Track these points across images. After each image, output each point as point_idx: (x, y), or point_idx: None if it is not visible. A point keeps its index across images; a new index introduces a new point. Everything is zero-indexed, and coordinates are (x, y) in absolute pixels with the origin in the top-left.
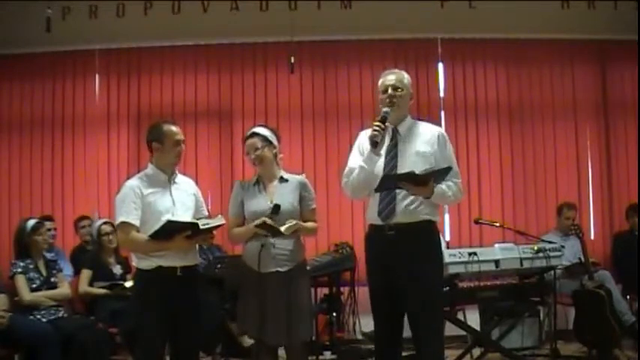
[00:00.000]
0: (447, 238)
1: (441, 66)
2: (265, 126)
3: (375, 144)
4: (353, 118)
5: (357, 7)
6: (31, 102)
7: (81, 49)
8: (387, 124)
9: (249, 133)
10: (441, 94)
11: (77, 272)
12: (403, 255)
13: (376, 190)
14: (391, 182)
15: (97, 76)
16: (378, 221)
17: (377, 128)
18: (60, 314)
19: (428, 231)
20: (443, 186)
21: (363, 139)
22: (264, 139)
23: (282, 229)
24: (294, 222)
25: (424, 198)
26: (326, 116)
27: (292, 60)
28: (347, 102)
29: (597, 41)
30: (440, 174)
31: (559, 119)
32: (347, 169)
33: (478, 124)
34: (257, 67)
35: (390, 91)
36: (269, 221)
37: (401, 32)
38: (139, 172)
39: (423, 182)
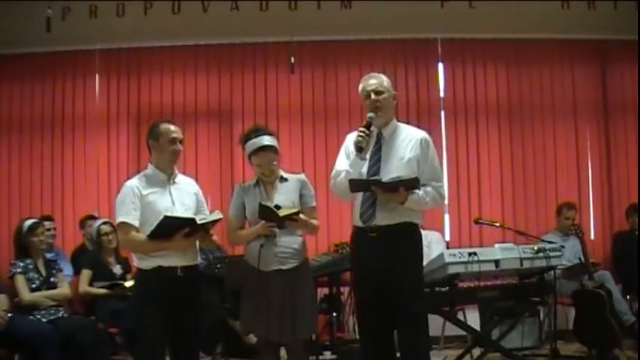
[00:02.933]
0: (447, 238)
1: (441, 66)
2: (268, 133)
3: (359, 149)
4: (353, 118)
5: (357, 7)
6: (31, 102)
7: (81, 49)
8: (372, 128)
9: (259, 145)
10: (441, 94)
11: (77, 272)
12: (385, 256)
13: (351, 191)
14: (361, 186)
15: (97, 76)
16: (360, 223)
17: (362, 134)
18: (60, 314)
19: (408, 232)
20: (420, 192)
21: (350, 141)
22: (276, 150)
23: (280, 212)
24: (293, 210)
25: (399, 204)
26: (326, 116)
27: (292, 60)
28: (347, 102)
29: (597, 41)
30: (408, 182)
31: (559, 119)
32: (334, 171)
33: (478, 124)
34: (257, 67)
35: (372, 96)
36: (264, 202)
37: (401, 32)
38: (139, 172)
39: (392, 189)
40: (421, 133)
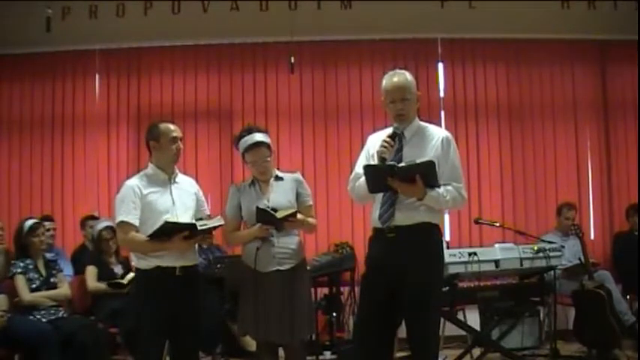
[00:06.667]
0: (447, 238)
1: (440, 66)
2: (261, 130)
3: (382, 160)
4: (353, 118)
5: (357, 7)
6: (31, 102)
7: (81, 49)
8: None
9: (252, 142)
10: (441, 94)
11: (77, 272)
12: (402, 255)
13: (370, 191)
14: (377, 176)
15: (97, 76)
16: (379, 224)
17: (386, 145)
18: (60, 314)
19: (427, 232)
20: (440, 190)
21: (371, 144)
22: (269, 147)
23: (278, 215)
24: (291, 210)
25: (417, 200)
26: (326, 116)
27: (292, 60)
28: (347, 102)
29: (597, 41)
30: (424, 167)
31: (559, 119)
32: (353, 173)
33: (478, 124)
34: (257, 67)
35: (398, 105)
36: (261, 205)
37: (401, 32)
38: (139, 172)
39: (408, 177)
40: (443, 133)
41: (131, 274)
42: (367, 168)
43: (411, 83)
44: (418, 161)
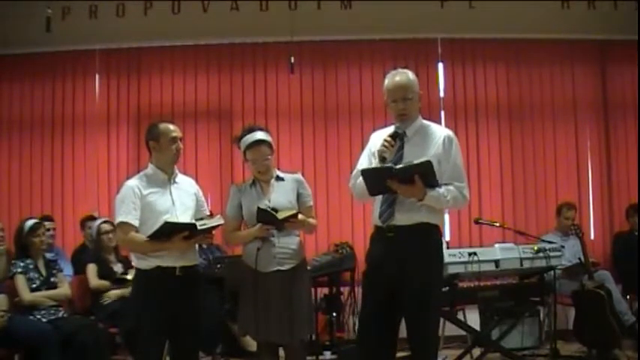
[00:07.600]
0: (447, 238)
1: (440, 66)
2: (262, 129)
3: (383, 159)
4: (353, 118)
5: (357, 7)
6: (31, 102)
7: (81, 49)
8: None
9: (253, 140)
10: (441, 94)
11: (77, 272)
12: (401, 255)
13: (370, 194)
14: (374, 177)
15: (97, 76)
16: (379, 222)
17: (386, 144)
18: (60, 314)
19: (427, 232)
20: (441, 190)
21: (373, 142)
22: (270, 145)
23: (279, 215)
24: (292, 211)
25: (418, 200)
26: (326, 116)
27: (292, 60)
28: (347, 102)
29: (597, 41)
30: (421, 167)
31: (559, 119)
32: (355, 171)
33: (478, 124)
34: (257, 67)
35: (400, 104)
36: (262, 205)
37: (401, 32)
38: (139, 172)
39: (406, 178)
40: (445, 132)
41: (133, 271)
42: (365, 171)
43: (413, 82)
44: (416, 162)
